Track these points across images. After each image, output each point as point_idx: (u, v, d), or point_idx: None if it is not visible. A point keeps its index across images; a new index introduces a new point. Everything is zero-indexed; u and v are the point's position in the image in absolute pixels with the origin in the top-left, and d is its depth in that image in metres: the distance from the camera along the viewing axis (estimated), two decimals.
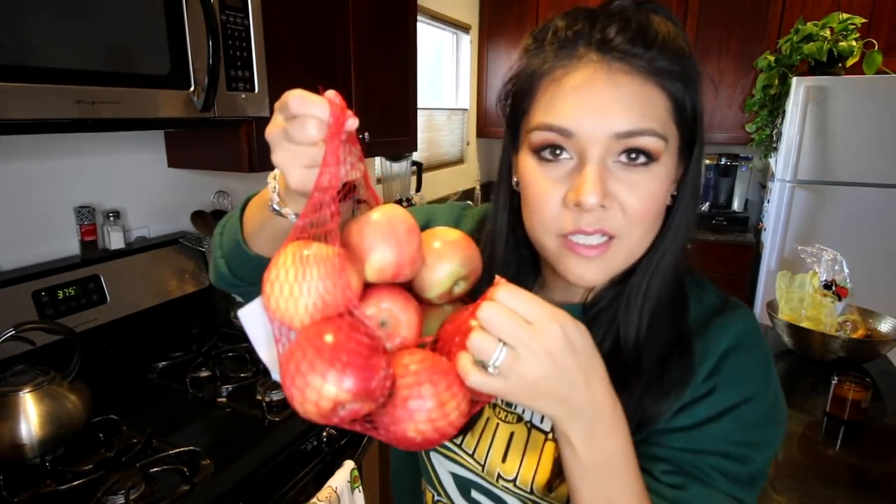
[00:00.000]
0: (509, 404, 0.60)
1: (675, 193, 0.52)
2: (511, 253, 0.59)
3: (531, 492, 0.55)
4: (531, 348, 0.38)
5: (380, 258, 0.43)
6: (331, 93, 0.41)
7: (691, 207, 0.52)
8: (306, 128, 0.40)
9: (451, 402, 0.39)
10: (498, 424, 0.59)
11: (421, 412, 0.39)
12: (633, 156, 0.47)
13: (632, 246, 0.50)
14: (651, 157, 0.47)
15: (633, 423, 0.47)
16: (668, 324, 0.52)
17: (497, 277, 0.41)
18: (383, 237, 0.43)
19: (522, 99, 0.51)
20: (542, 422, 0.57)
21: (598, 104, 0.46)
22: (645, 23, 0.47)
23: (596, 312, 0.54)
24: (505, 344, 0.38)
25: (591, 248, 0.49)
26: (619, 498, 0.44)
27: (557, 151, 0.48)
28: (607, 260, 0.50)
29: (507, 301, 0.39)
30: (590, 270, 0.50)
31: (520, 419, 0.59)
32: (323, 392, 0.36)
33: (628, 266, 0.52)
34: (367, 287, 0.44)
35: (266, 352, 0.47)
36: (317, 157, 0.42)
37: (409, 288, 0.47)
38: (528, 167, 0.50)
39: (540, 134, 0.48)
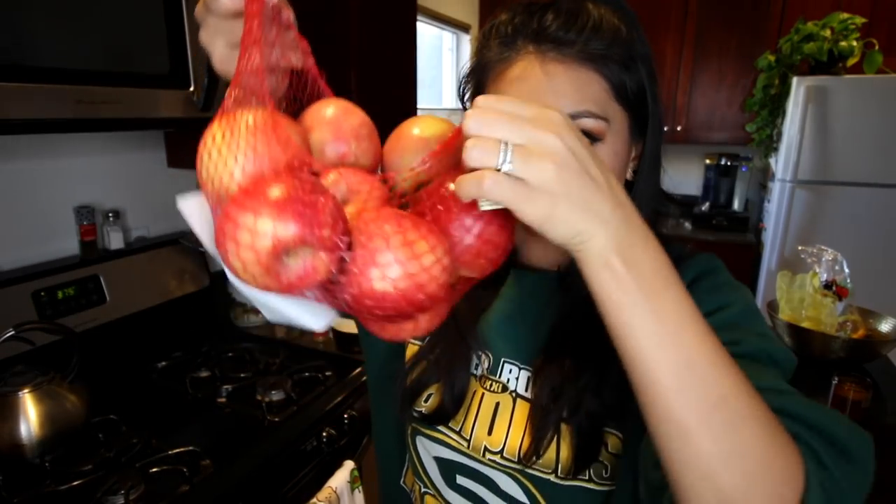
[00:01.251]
0: (494, 372, 0.58)
1: (635, 170, 0.54)
2: None
3: (519, 461, 0.54)
4: (541, 135, 0.31)
5: (319, 138, 0.39)
6: None
7: (652, 180, 0.54)
8: (221, 4, 0.38)
9: (420, 244, 0.32)
10: (483, 395, 0.58)
11: (390, 257, 0.32)
12: None
13: None
14: (594, 139, 0.48)
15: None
16: None
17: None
18: (322, 120, 0.40)
19: (475, 94, 0.53)
20: (526, 390, 0.56)
21: (534, 93, 0.47)
22: (576, 10, 0.48)
23: (572, 280, 0.54)
24: (507, 143, 0.32)
25: None
26: (688, 328, 0.33)
27: None
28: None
29: (489, 103, 0.33)
30: (548, 252, 0.53)
31: (504, 388, 0.58)
32: (258, 229, 0.30)
33: None
34: (335, 167, 0.40)
35: (208, 238, 0.41)
36: (238, 33, 0.38)
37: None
38: None
39: None
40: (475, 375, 0.60)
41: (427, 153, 0.37)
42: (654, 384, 0.33)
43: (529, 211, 0.32)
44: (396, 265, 0.32)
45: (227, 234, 0.32)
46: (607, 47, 0.48)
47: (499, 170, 0.31)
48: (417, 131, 0.42)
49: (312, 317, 0.38)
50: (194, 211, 0.43)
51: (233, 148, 0.35)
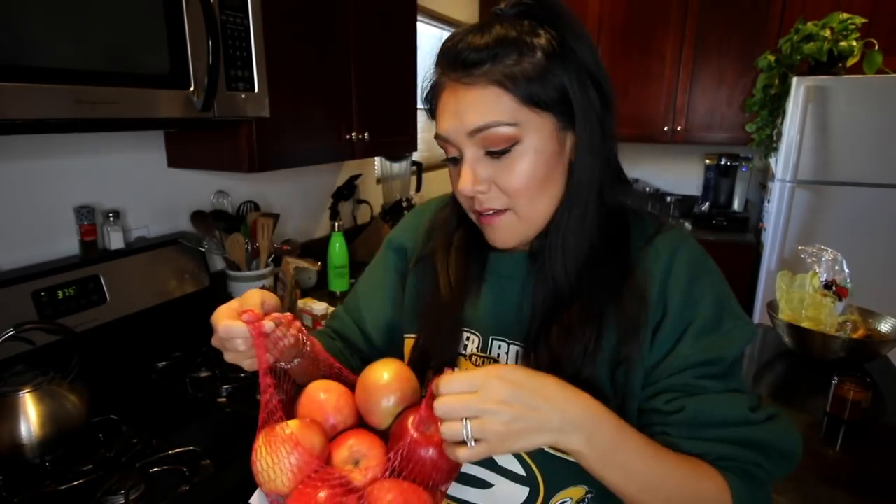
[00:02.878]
0: (483, 350, 0.66)
1: (572, 155, 0.61)
2: (471, 222, 0.68)
3: None
4: (486, 408, 0.46)
5: (332, 426, 0.57)
6: (245, 316, 0.53)
7: (592, 165, 0.60)
8: (236, 347, 0.54)
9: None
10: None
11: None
12: (494, 148, 0.57)
13: (526, 213, 0.60)
14: (511, 142, 0.56)
15: (618, 361, 0.57)
16: (609, 264, 0.60)
17: (444, 373, 0.50)
18: (322, 412, 0.58)
19: (433, 114, 0.64)
20: (516, 363, 0.64)
21: (454, 113, 0.58)
22: (488, 37, 0.55)
23: (540, 258, 0.63)
24: (467, 420, 0.46)
25: (492, 217, 0.61)
26: (637, 463, 0.51)
27: (454, 157, 0.61)
28: (507, 225, 0.61)
29: (449, 389, 0.48)
30: (498, 236, 0.62)
31: (495, 362, 0.65)
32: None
33: (537, 226, 0.62)
34: (340, 434, 0.57)
35: None
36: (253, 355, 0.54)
37: (367, 425, 0.59)
38: (448, 171, 0.64)
39: (439, 142, 0.62)
40: (464, 355, 0.67)
41: (396, 399, 0.56)
42: (625, 495, 0.52)
43: (500, 452, 0.50)
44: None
45: None
46: (513, 64, 0.55)
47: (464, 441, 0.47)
48: (384, 380, 0.57)
49: None
50: (258, 498, 0.57)
51: (277, 465, 0.50)
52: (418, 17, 2.26)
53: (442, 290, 0.68)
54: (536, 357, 0.60)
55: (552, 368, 0.56)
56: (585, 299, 0.59)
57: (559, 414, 0.48)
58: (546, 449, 0.59)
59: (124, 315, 1.32)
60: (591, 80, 0.58)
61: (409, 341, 0.72)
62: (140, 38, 0.97)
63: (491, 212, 0.60)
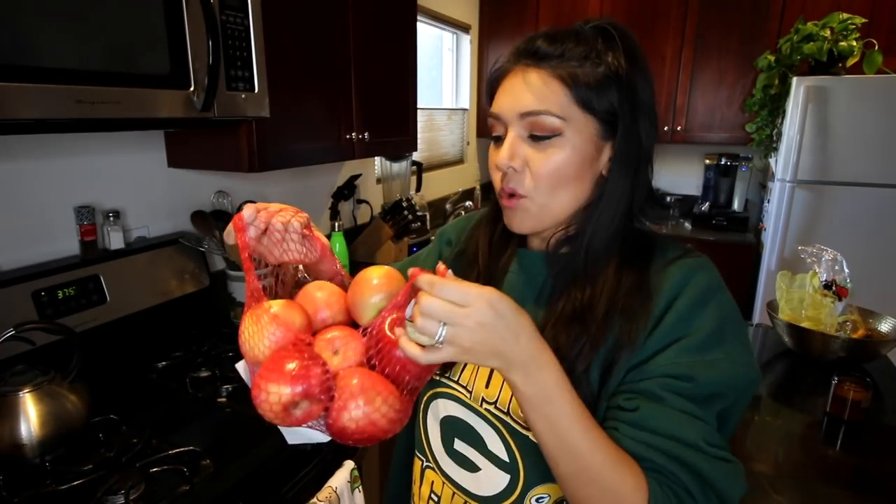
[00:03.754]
0: None
1: (605, 169, 0.65)
2: (500, 218, 0.72)
3: (507, 412, 0.65)
4: (465, 324, 0.49)
5: (321, 320, 0.60)
6: (244, 209, 0.60)
7: (624, 180, 0.64)
8: (230, 241, 0.61)
9: (377, 399, 0.52)
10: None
11: (354, 406, 0.51)
12: (540, 131, 0.62)
13: (542, 204, 0.64)
14: (553, 133, 0.61)
15: (610, 363, 0.60)
16: (624, 275, 0.63)
17: (438, 266, 0.53)
18: (307, 300, 0.62)
19: (490, 94, 0.68)
20: None
21: (512, 93, 0.63)
22: (561, 36, 0.63)
23: (555, 260, 0.67)
24: (444, 324, 0.49)
25: (511, 202, 0.65)
26: (562, 421, 0.53)
27: (499, 135, 0.66)
28: (522, 211, 0.65)
29: (441, 293, 0.49)
30: (514, 219, 0.66)
31: None
32: (272, 396, 0.50)
33: (551, 221, 0.66)
34: (327, 327, 0.60)
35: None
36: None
37: (352, 324, 0.61)
38: (490, 149, 0.69)
39: (489, 121, 0.67)
40: None
41: (383, 297, 0.58)
42: (544, 449, 0.55)
43: (456, 360, 0.51)
44: (360, 413, 0.51)
45: (258, 393, 0.51)
46: (578, 66, 0.61)
47: (434, 341, 0.49)
48: (374, 281, 0.60)
49: (320, 436, 0.56)
50: (242, 369, 0.62)
51: (257, 334, 0.54)
52: (418, 17, 2.26)
53: (474, 276, 0.72)
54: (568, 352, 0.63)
55: (577, 359, 0.61)
56: (596, 305, 0.62)
57: (517, 352, 0.52)
58: (530, 437, 0.62)
59: (124, 315, 1.32)
60: (641, 110, 0.63)
61: None
62: (140, 38, 0.97)
63: (512, 193, 0.65)
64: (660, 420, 0.55)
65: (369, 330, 0.56)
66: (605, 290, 0.62)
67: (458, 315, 0.49)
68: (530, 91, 0.61)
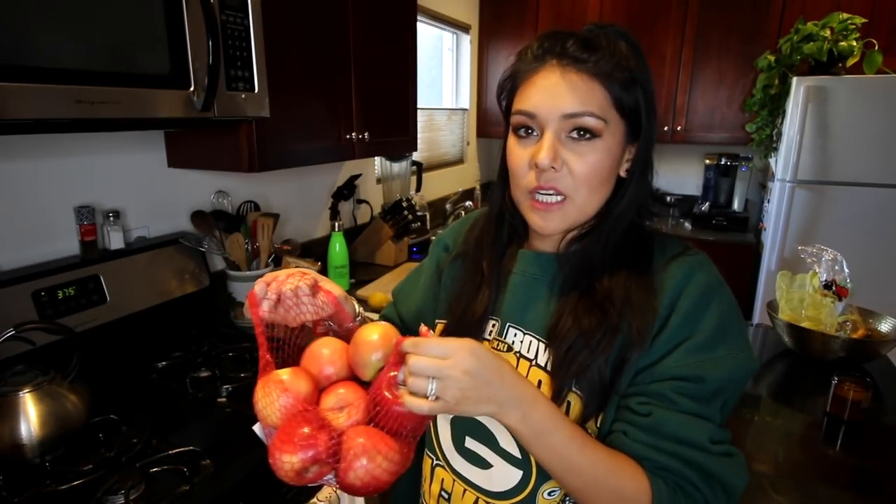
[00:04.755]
0: (500, 334, 0.72)
1: (629, 170, 0.68)
2: (504, 220, 0.76)
3: None
4: (451, 374, 0.53)
5: (326, 377, 0.66)
6: (255, 286, 0.67)
7: (643, 180, 0.69)
8: (246, 311, 0.68)
9: (378, 457, 0.56)
10: None
11: (359, 466, 0.56)
12: (580, 132, 0.63)
13: (581, 204, 0.66)
14: (594, 134, 0.63)
15: (622, 363, 0.62)
16: (632, 271, 0.65)
17: (421, 329, 0.58)
18: (311, 360, 0.67)
19: (510, 94, 0.68)
20: (528, 351, 0.69)
21: (553, 93, 0.63)
22: (594, 39, 0.63)
23: (566, 258, 0.70)
24: (433, 378, 0.53)
25: (549, 204, 0.65)
26: (561, 448, 0.58)
27: (529, 130, 0.66)
28: (562, 213, 0.66)
29: (424, 350, 0.54)
30: (549, 221, 0.66)
31: (510, 349, 0.71)
32: (286, 464, 0.56)
33: (580, 222, 0.68)
34: (333, 383, 0.65)
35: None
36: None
37: (355, 377, 0.66)
38: (511, 142, 0.68)
39: (517, 117, 0.66)
40: (487, 339, 0.73)
41: (381, 355, 0.63)
42: (552, 473, 0.60)
43: (453, 412, 0.55)
44: (364, 472, 0.56)
45: (274, 461, 0.58)
46: (612, 69, 0.62)
47: (427, 396, 0.54)
48: (372, 338, 0.64)
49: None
50: (259, 431, 0.67)
51: (269, 404, 0.60)
52: (418, 17, 2.26)
53: (473, 283, 0.76)
54: (554, 349, 0.65)
55: (565, 361, 0.63)
56: (612, 295, 0.64)
57: (506, 392, 0.56)
58: None
59: (124, 315, 1.32)
60: (654, 111, 0.67)
61: (439, 326, 0.79)
62: (140, 38, 0.97)
63: (552, 192, 0.65)
64: (670, 426, 0.59)
65: (369, 390, 0.61)
66: (619, 283, 0.65)
67: (444, 367, 0.53)
68: (574, 92, 0.62)
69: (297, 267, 1.55)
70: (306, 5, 1.50)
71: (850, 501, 0.94)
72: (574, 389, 0.63)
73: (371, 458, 0.56)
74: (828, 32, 2.44)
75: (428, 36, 3.12)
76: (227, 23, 1.12)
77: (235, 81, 1.16)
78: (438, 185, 3.18)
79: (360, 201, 2.40)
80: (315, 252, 2.04)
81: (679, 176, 3.57)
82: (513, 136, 0.68)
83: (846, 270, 1.50)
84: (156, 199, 1.51)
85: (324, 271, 1.88)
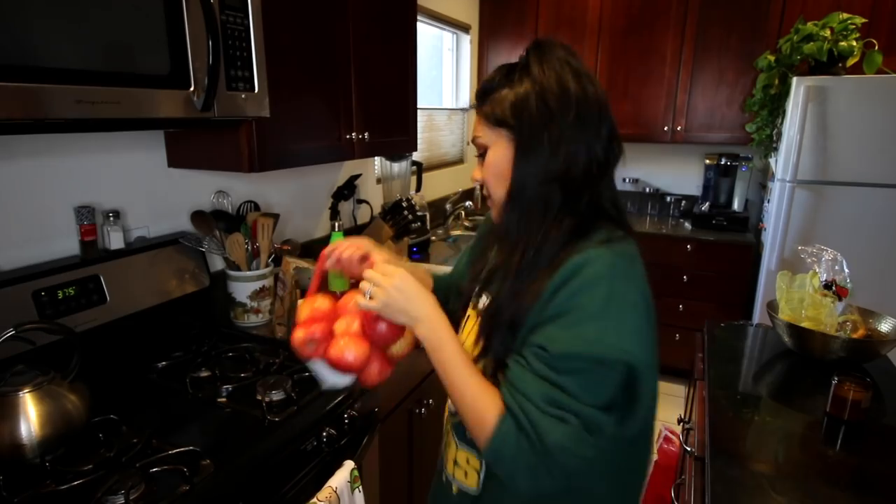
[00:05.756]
0: (476, 298, 0.91)
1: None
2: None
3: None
4: (385, 286, 0.80)
5: (342, 304, 0.94)
6: (326, 249, 0.97)
7: (524, 168, 0.80)
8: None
9: (341, 340, 0.86)
10: (469, 315, 0.93)
11: (334, 346, 0.86)
12: (479, 154, 0.85)
13: (496, 198, 0.84)
14: (483, 150, 0.84)
15: (514, 319, 0.77)
16: (557, 245, 0.77)
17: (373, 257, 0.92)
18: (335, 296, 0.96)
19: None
20: (480, 305, 0.88)
21: (473, 126, 0.87)
22: (488, 83, 0.83)
23: (498, 234, 0.87)
24: (374, 285, 0.81)
25: (490, 204, 0.87)
26: (447, 365, 0.78)
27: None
28: (493, 207, 0.86)
29: (377, 269, 0.83)
30: (493, 214, 0.87)
31: (475, 307, 0.91)
32: (296, 335, 0.87)
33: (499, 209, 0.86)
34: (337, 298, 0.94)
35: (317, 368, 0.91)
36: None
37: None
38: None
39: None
40: (472, 305, 0.92)
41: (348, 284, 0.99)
42: (443, 385, 0.80)
43: (381, 312, 0.82)
44: (333, 348, 0.85)
45: (293, 333, 0.87)
46: (491, 109, 0.81)
47: (370, 297, 0.81)
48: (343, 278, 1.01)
49: (338, 379, 0.89)
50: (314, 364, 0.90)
51: (304, 308, 0.92)
52: (418, 17, 2.26)
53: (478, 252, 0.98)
54: (491, 303, 0.83)
55: (496, 312, 0.80)
56: (518, 275, 0.78)
57: (419, 310, 0.80)
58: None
59: (124, 315, 1.32)
60: (555, 106, 0.78)
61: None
62: (140, 38, 0.97)
63: (489, 197, 0.86)
64: (521, 380, 0.73)
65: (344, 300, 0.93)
66: (526, 264, 0.78)
67: (382, 280, 0.81)
68: (476, 124, 0.85)
69: (296, 267, 1.55)
70: (306, 5, 1.50)
71: (850, 501, 0.95)
72: (487, 343, 0.82)
73: (335, 342, 0.86)
74: (828, 32, 2.44)
75: (428, 36, 3.12)
76: (227, 23, 1.12)
77: (235, 81, 1.16)
78: (438, 185, 3.18)
79: (360, 201, 2.40)
80: (315, 252, 2.03)
81: (679, 176, 3.58)
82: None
83: (846, 270, 1.50)
84: (156, 199, 1.51)
85: None
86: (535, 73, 0.76)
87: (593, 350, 0.70)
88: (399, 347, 0.89)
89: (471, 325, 0.88)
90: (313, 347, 0.86)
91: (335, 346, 0.85)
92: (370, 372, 0.87)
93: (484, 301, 0.86)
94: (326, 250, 0.95)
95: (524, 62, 0.79)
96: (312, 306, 0.91)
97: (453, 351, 0.78)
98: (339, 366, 0.84)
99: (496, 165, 0.81)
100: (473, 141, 0.85)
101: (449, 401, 0.93)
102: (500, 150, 0.81)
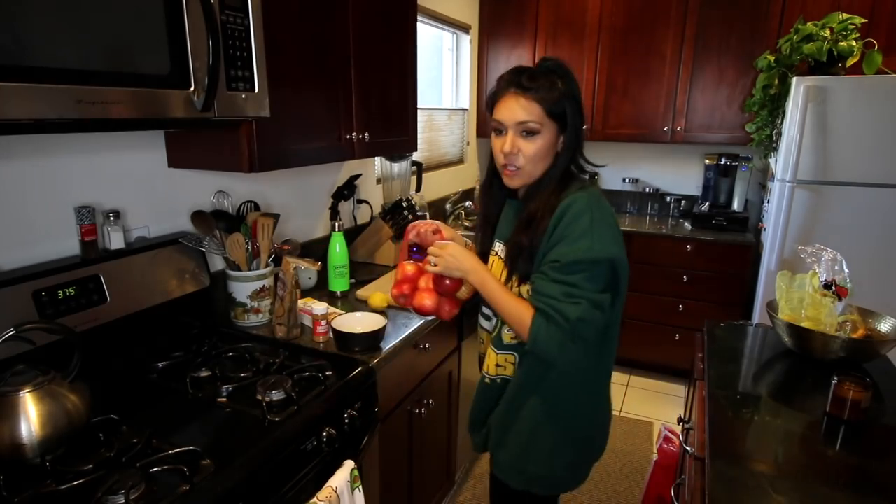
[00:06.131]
0: (493, 246, 1.28)
1: (559, 149, 1.14)
2: (492, 183, 1.28)
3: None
4: (443, 255, 1.16)
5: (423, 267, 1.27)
6: (410, 225, 1.33)
7: (567, 154, 1.14)
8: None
9: (424, 297, 1.22)
10: (493, 260, 1.26)
11: (417, 298, 1.23)
12: (525, 132, 1.11)
13: (530, 172, 1.14)
14: (533, 133, 1.10)
15: (532, 251, 1.11)
16: (550, 200, 1.11)
17: (441, 235, 1.30)
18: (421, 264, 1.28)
19: (491, 106, 1.16)
20: (499, 251, 1.24)
21: (510, 111, 1.11)
22: (534, 75, 1.09)
23: (525, 202, 1.17)
24: (436, 256, 1.16)
25: (511, 172, 1.15)
26: (493, 293, 1.13)
27: (500, 130, 1.14)
28: (519, 177, 1.15)
29: (440, 246, 1.18)
30: (512, 181, 1.17)
31: (496, 253, 1.25)
32: (393, 291, 1.28)
33: (529, 182, 1.16)
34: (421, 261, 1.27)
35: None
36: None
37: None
38: (493, 138, 1.18)
39: (494, 122, 1.15)
40: (495, 251, 1.27)
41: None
42: (494, 309, 1.18)
43: (441, 272, 1.18)
44: (418, 301, 1.24)
45: (391, 289, 1.30)
46: (545, 93, 1.08)
47: (435, 264, 1.18)
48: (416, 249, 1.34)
49: (424, 315, 1.29)
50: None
51: (398, 273, 1.29)
52: (418, 17, 2.26)
53: (481, 220, 1.34)
54: (507, 248, 1.18)
55: (518, 245, 1.13)
56: (532, 222, 1.11)
57: (466, 266, 1.15)
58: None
59: (124, 315, 1.32)
60: (579, 110, 1.12)
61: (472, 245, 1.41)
62: (140, 38, 0.97)
63: (512, 166, 1.14)
64: (542, 287, 1.07)
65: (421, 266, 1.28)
66: (539, 207, 1.11)
67: (441, 252, 1.16)
68: (521, 109, 1.09)
69: (296, 267, 1.55)
70: (306, 5, 1.50)
71: (849, 501, 0.95)
72: (512, 268, 1.16)
73: (418, 296, 1.23)
74: (827, 32, 2.44)
75: (428, 36, 3.12)
76: (227, 23, 1.12)
77: (236, 81, 1.16)
78: (438, 185, 3.18)
79: (360, 201, 2.40)
80: (315, 252, 2.04)
81: (679, 176, 3.58)
82: (493, 133, 1.17)
83: (846, 270, 1.50)
84: (156, 199, 1.51)
85: (324, 271, 1.88)
86: (569, 82, 1.10)
87: (589, 255, 1.03)
88: (462, 293, 1.23)
89: (497, 265, 1.22)
90: (405, 300, 1.25)
91: (417, 298, 1.22)
92: (442, 311, 1.24)
93: (498, 247, 1.24)
94: (410, 227, 1.30)
95: (560, 69, 1.10)
96: (403, 271, 1.26)
97: (494, 285, 1.13)
98: (420, 311, 1.23)
99: (545, 149, 1.11)
100: (523, 123, 1.09)
101: (481, 328, 1.33)
102: (550, 138, 1.11)
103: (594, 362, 1.17)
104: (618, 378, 3.30)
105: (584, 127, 1.16)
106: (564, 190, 1.10)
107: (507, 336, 1.20)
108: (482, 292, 1.14)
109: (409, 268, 1.26)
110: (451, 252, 1.14)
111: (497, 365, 1.23)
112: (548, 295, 1.04)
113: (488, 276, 1.13)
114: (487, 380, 1.26)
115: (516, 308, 1.09)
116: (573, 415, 1.19)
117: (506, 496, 1.28)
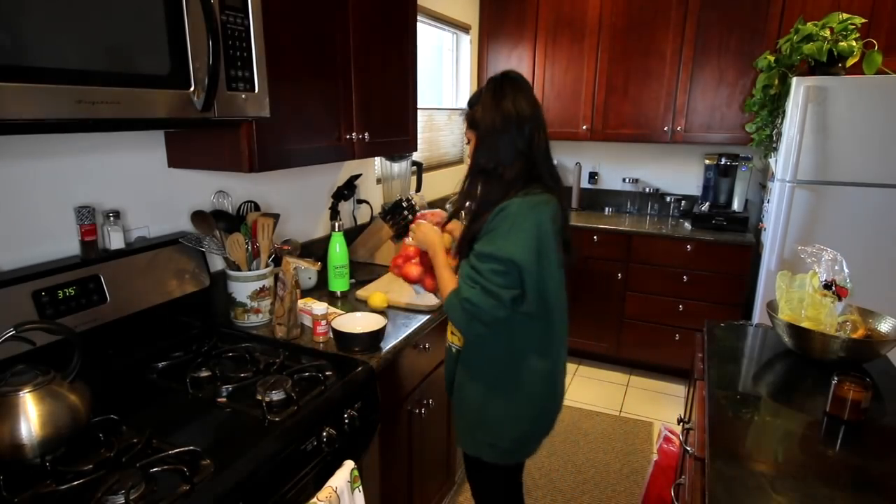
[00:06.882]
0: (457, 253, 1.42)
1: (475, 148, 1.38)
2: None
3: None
4: (417, 231, 1.47)
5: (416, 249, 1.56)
6: (419, 215, 1.62)
7: (478, 156, 1.34)
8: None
9: (410, 267, 1.50)
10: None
11: (405, 269, 1.51)
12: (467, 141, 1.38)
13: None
14: (470, 139, 1.37)
15: (472, 236, 1.30)
16: (493, 204, 1.28)
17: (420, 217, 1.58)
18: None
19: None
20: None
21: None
22: (473, 101, 1.36)
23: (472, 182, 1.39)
24: (413, 231, 1.49)
25: None
26: (439, 266, 1.38)
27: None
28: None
29: (418, 226, 1.48)
30: None
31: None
32: (391, 265, 1.56)
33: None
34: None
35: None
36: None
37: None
38: None
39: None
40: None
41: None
42: (437, 280, 1.43)
43: (417, 246, 1.49)
44: (405, 271, 1.52)
45: (391, 265, 1.58)
46: (471, 113, 1.35)
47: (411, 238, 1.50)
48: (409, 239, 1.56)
49: (417, 288, 1.53)
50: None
51: (398, 251, 1.64)
52: (418, 18, 2.26)
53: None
54: (463, 231, 1.35)
55: (467, 234, 1.32)
56: (481, 216, 1.29)
57: (428, 240, 1.41)
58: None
59: (124, 315, 1.32)
60: (491, 119, 1.32)
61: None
62: (140, 38, 0.97)
63: None
64: (462, 269, 1.28)
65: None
66: (485, 208, 1.31)
67: (416, 229, 1.46)
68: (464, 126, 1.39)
69: (296, 267, 1.55)
70: (306, 5, 1.50)
71: (850, 501, 0.95)
72: (460, 248, 1.35)
73: (409, 267, 1.48)
74: (827, 32, 2.44)
75: (428, 36, 3.12)
76: (227, 23, 1.12)
77: (235, 81, 1.16)
78: (438, 185, 3.18)
79: (360, 201, 2.40)
80: (315, 252, 2.04)
81: (679, 176, 3.58)
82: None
83: (846, 270, 1.50)
84: (156, 199, 1.51)
85: (324, 271, 1.88)
86: (485, 99, 1.31)
87: (497, 252, 1.21)
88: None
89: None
90: (398, 270, 1.50)
91: (406, 268, 1.48)
92: (426, 282, 1.47)
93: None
94: (419, 215, 1.57)
95: (477, 96, 1.35)
96: (405, 249, 1.51)
97: (440, 260, 1.37)
98: (407, 279, 1.48)
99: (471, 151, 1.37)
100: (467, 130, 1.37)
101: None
102: (472, 142, 1.35)
103: (527, 345, 1.33)
104: (618, 378, 3.31)
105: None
106: (510, 193, 1.27)
107: None
108: (433, 262, 1.40)
109: (410, 249, 1.51)
110: (423, 229, 1.43)
111: (452, 333, 1.46)
112: (462, 275, 1.28)
113: (440, 252, 1.37)
114: (454, 350, 1.45)
115: (444, 280, 1.33)
116: (514, 394, 1.35)
117: (468, 462, 1.50)
